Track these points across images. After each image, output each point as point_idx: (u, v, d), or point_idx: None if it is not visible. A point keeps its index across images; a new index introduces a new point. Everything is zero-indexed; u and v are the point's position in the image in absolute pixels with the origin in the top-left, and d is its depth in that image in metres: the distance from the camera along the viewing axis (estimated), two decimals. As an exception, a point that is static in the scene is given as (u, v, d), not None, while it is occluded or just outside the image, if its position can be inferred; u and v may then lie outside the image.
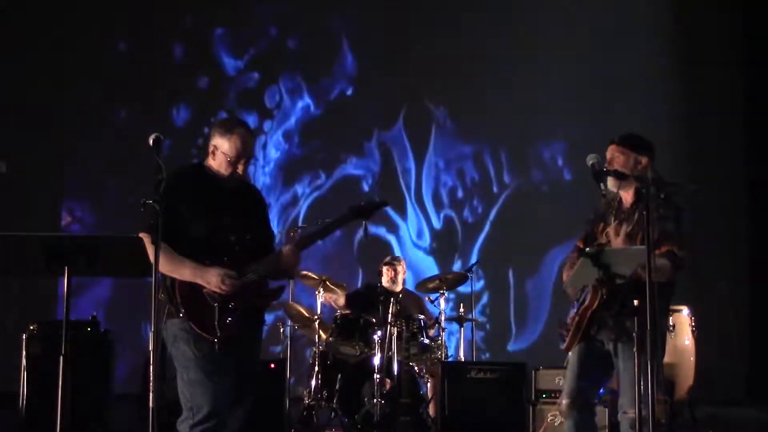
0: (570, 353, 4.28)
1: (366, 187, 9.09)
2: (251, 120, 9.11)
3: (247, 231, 3.83)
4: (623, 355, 4.07)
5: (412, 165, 9.20)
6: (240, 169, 3.82)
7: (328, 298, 6.88)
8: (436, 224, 9.16)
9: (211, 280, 3.67)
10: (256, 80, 9.29)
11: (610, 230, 4.19)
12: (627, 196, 4.21)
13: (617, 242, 4.13)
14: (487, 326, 8.63)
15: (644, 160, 4.12)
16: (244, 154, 3.82)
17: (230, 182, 3.84)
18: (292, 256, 3.83)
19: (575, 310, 4.19)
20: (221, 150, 3.78)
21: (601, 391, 5.42)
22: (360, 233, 8.40)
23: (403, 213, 9.15)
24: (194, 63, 9.26)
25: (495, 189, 9.14)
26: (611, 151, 4.17)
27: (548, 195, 9.03)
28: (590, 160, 4.12)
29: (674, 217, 3.99)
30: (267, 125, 9.24)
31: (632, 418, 3.96)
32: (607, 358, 4.18)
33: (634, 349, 3.72)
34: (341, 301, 6.92)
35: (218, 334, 3.65)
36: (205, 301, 3.70)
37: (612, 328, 4.10)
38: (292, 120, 9.24)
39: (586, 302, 4.10)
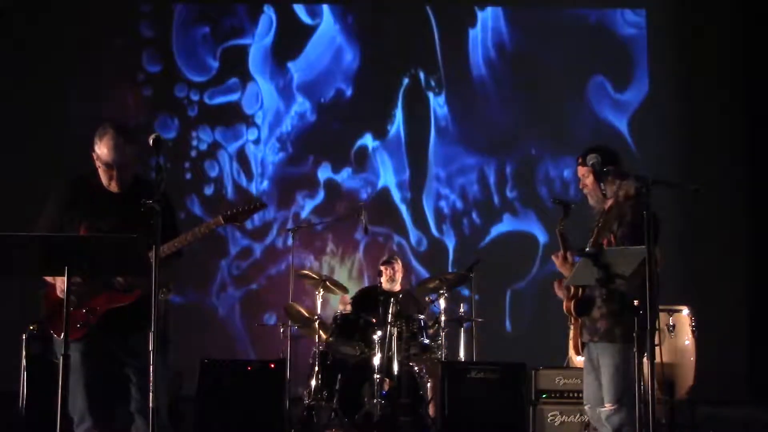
0: (584, 359, 4.47)
1: (365, 195, 9.06)
2: (240, 127, 9.10)
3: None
4: (599, 353, 4.29)
5: (408, 175, 9.15)
6: (114, 176, 3.79)
7: (344, 303, 6.92)
8: (436, 234, 9.11)
9: (58, 283, 3.79)
10: (242, 84, 9.18)
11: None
12: (598, 205, 4.35)
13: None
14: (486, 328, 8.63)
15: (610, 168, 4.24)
16: (114, 162, 3.77)
17: (117, 188, 3.82)
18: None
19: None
20: (96, 156, 3.81)
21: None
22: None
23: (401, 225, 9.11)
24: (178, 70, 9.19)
25: (496, 202, 9.12)
26: (580, 172, 4.37)
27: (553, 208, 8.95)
28: (590, 160, 4.22)
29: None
30: (255, 132, 9.15)
31: (608, 411, 4.21)
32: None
33: (634, 349, 3.79)
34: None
35: (69, 338, 3.69)
36: (62, 306, 3.76)
37: (588, 329, 4.32)
38: (285, 127, 9.15)
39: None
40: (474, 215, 9.06)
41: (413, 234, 9.06)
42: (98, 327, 3.75)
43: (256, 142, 9.10)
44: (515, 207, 9.03)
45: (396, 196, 9.09)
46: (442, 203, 9.09)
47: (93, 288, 3.77)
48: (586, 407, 4.51)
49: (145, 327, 3.69)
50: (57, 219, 3.92)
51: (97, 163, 3.84)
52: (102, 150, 3.79)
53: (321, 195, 9.04)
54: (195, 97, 9.08)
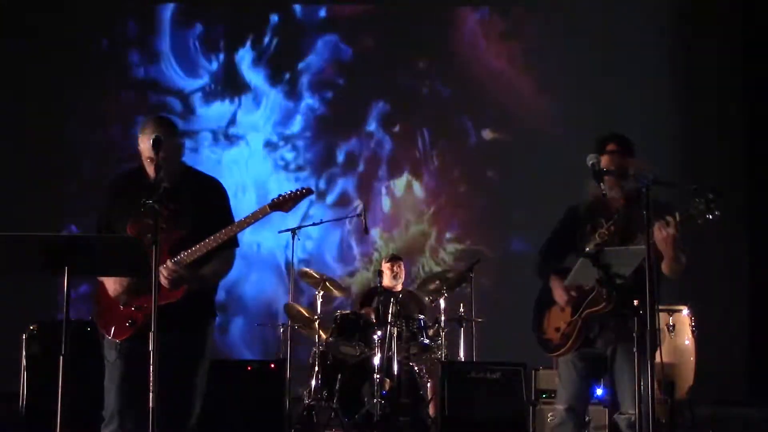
0: (567, 357, 4.29)
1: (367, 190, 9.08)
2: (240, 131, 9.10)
3: (171, 230, 3.70)
4: (623, 356, 4.06)
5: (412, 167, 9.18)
6: (151, 169, 3.72)
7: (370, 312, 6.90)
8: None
9: (108, 284, 3.77)
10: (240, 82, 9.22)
11: (604, 231, 4.17)
12: (617, 197, 4.19)
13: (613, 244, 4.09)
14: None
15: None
16: (149, 154, 3.71)
17: (164, 182, 3.68)
18: (165, 272, 3.67)
19: (572, 315, 4.17)
20: (140, 151, 3.79)
21: (603, 392, 5.44)
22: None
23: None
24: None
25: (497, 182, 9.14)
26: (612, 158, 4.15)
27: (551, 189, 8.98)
28: (590, 160, 4.12)
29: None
30: (256, 136, 9.17)
31: (630, 417, 3.99)
32: (600, 361, 4.20)
33: (635, 349, 3.69)
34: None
35: (118, 337, 3.74)
36: (115, 303, 3.78)
37: (614, 329, 4.09)
38: (287, 129, 9.18)
39: (597, 306, 4.08)
40: (474, 205, 9.08)
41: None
42: (145, 326, 3.58)
43: (257, 144, 9.12)
44: (520, 200, 9.07)
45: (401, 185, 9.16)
46: (444, 192, 9.16)
47: (141, 286, 3.67)
48: (563, 407, 4.32)
49: (190, 328, 3.78)
50: (105, 217, 3.90)
51: (142, 158, 3.80)
52: (144, 144, 3.74)
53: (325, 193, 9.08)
54: (190, 102, 9.11)
